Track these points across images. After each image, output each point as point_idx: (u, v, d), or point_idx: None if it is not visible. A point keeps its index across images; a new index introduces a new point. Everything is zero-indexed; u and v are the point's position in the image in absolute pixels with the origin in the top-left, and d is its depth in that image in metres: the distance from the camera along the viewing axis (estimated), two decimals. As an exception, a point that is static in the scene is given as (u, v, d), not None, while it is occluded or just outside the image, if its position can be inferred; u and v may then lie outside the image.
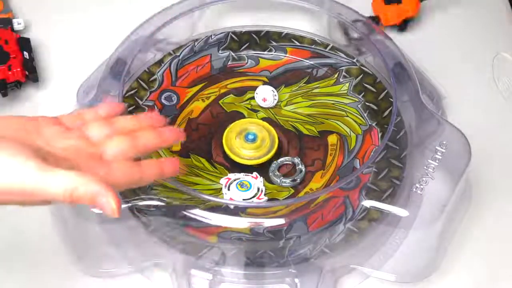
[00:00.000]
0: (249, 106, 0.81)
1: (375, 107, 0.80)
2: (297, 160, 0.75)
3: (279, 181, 0.74)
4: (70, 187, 0.48)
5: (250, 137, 0.75)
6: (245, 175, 0.73)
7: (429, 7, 0.93)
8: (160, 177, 0.58)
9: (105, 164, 0.54)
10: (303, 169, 0.75)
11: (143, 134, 0.59)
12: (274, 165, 0.75)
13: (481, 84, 0.87)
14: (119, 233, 0.70)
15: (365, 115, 0.80)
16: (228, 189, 0.72)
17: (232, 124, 0.77)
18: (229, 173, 0.74)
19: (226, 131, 0.76)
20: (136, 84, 0.82)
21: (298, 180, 0.74)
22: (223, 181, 0.73)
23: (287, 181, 0.74)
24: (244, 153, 0.75)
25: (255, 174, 0.73)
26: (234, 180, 0.73)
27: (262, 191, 0.73)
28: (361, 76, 0.82)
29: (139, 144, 0.58)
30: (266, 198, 0.72)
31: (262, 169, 0.75)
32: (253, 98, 0.81)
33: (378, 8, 0.91)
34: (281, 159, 0.76)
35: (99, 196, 0.48)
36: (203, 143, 0.77)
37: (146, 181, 0.57)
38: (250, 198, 0.72)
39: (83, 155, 0.54)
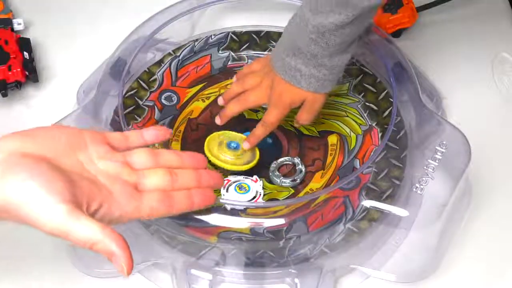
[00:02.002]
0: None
1: (375, 107, 0.80)
2: (297, 160, 0.75)
3: (279, 181, 0.74)
4: (91, 241, 0.50)
5: (233, 145, 0.76)
6: (245, 177, 0.73)
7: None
8: (189, 209, 0.59)
9: (137, 197, 0.55)
10: (303, 169, 0.75)
11: (184, 174, 0.59)
12: (274, 165, 0.75)
13: (481, 84, 0.86)
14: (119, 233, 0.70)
15: (365, 115, 0.80)
16: (227, 191, 0.72)
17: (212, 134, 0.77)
18: (229, 175, 0.74)
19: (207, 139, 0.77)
20: (136, 84, 0.82)
21: (298, 180, 0.74)
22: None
23: (287, 181, 0.74)
24: (225, 158, 0.75)
25: (255, 177, 0.73)
26: (234, 182, 0.73)
27: (260, 194, 0.72)
28: (361, 76, 0.82)
29: (177, 183, 0.58)
30: (263, 202, 0.73)
31: (262, 169, 0.75)
32: (253, 98, 0.81)
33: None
34: (281, 159, 0.76)
35: (114, 257, 0.50)
36: (203, 143, 0.77)
37: (174, 214, 0.58)
38: (248, 202, 0.72)
39: (119, 182, 0.55)
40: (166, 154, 0.60)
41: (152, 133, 0.61)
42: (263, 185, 0.73)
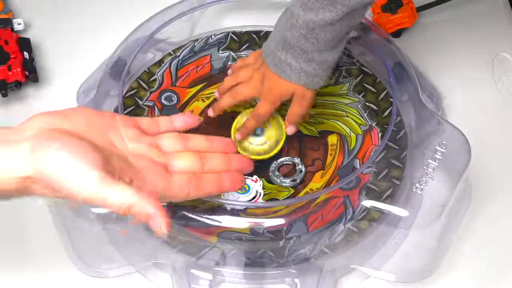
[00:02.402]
0: (249, 106, 0.81)
1: (375, 107, 0.80)
2: (297, 160, 0.75)
3: (279, 181, 0.74)
4: (126, 204, 0.50)
5: (258, 132, 0.76)
6: (245, 177, 0.73)
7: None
8: (219, 192, 0.60)
9: (165, 177, 0.56)
10: (303, 169, 0.75)
11: (213, 158, 0.61)
12: (274, 165, 0.75)
13: (481, 84, 0.86)
14: (119, 233, 0.70)
15: (365, 115, 0.80)
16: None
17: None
18: None
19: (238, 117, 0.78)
20: (136, 84, 0.82)
21: (298, 180, 0.74)
22: None
23: (287, 181, 0.74)
24: (248, 146, 0.76)
25: (255, 177, 0.73)
26: None
27: (260, 194, 0.72)
28: (361, 76, 0.82)
29: (206, 166, 0.60)
30: (263, 202, 0.72)
31: (262, 168, 0.75)
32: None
33: (375, 12, 0.91)
34: (281, 159, 0.76)
35: (151, 218, 0.51)
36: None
37: (203, 196, 0.59)
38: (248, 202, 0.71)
39: (149, 162, 0.57)
40: (195, 138, 0.62)
41: (182, 119, 0.63)
42: (263, 185, 0.73)
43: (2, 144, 0.51)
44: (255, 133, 0.76)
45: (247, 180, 0.73)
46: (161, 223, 0.51)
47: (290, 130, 0.76)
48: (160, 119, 0.62)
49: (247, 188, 0.72)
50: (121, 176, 0.52)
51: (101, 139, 0.55)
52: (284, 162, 0.76)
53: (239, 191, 0.72)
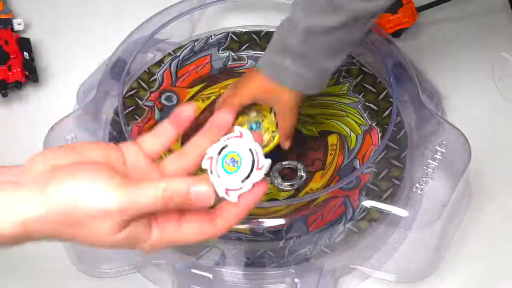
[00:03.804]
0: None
1: (375, 107, 0.80)
2: (300, 166, 0.75)
3: (276, 182, 0.74)
4: (159, 191, 0.46)
5: (253, 126, 0.74)
6: (227, 139, 0.51)
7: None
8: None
9: (178, 220, 0.50)
10: (304, 175, 0.74)
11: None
12: (275, 167, 0.75)
13: (481, 84, 0.87)
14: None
15: (365, 115, 0.80)
16: (217, 175, 0.49)
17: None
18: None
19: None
20: (136, 84, 0.82)
21: (296, 186, 0.74)
22: (205, 164, 0.50)
23: (285, 184, 0.74)
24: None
25: (237, 130, 0.50)
26: (218, 155, 0.50)
27: (257, 153, 0.49)
28: (361, 76, 0.82)
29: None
30: (268, 161, 0.49)
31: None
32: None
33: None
34: (284, 162, 0.75)
35: (191, 187, 0.46)
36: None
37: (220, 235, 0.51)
38: (247, 177, 0.49)
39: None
40: (196, 143, 0.53)
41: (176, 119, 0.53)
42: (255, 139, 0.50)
43: (8, 187, 0.46)
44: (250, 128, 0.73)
45: (231, 143, 0.50)
46: (203, 187, 0.46)
47: (287, 144, 0.73)
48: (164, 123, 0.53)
49: (238, 159, 0.50)
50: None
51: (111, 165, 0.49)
52: (287, 166, 0.76)
53: (229, 169, 0.49)
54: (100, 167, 0.47)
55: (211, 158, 0.50)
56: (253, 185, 0.49)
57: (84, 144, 0.51)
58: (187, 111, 0.53)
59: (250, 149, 0.50)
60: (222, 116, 0.52)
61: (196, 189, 0.46)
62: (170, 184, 0.46)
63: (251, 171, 0.49)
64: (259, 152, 0.49)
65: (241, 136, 0.50)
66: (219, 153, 0.50)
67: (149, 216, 0.48)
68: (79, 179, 0.46)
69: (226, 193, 0.49)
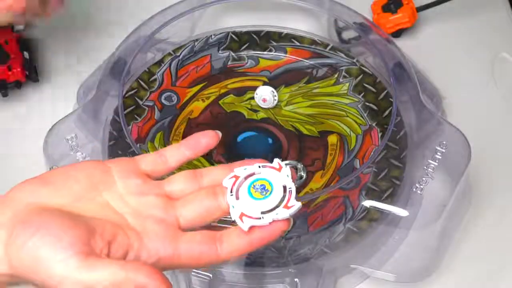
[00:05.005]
0: (249, 106, 0.81)
1: (375, 107, 0.80)
2: (300, 165, 0.75)
3: None
4: (116, 283, 0.43)
5: None
6: (262, 166, 0.48)
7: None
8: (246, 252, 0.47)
9: (174, 240, 0.47)
10: (304, 175, 0.74)
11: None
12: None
13: (481, 84, 0.86)
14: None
15: (365, 115, 0.80)
16: (237, 198, 0.47)
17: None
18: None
19: None
20: (136, 84, 0.82)
21: (296, 186, 0.73)
22: (227, 182, 0.48)
23: None
24: None
25: (276, 162, 0.48)
26: (245, 178, 0.48)
27: (291, 192, 0.47)
28: (361, 76, 0.82)
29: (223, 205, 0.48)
30: (299, 204, 0.46)
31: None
32: (253, 98, 0.81)
33: (375, 12, 0.91)
34: (285, 162, 0.75)
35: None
36: (203, 143, 0.77)
37: (222, 262, 0.47)
38: (273, 209, 0.46)
39: (152, 221, 0.47)
40: (211, 171, 0.50)
41: (192, 144, 0.51)
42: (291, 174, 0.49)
43: None
44: None
45: (265, 171, 0.48)
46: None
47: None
48: (166, 150, 0.52)
49: (269, 189, 0.47)
50: (111, 250, 0.44)
51: (91, 205, 0.47)
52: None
53: (255, 196, 0.46)
54: (64, 229, 0.44)
55: (236, 177, 0.48)
56: (272, 221, 0.45)
57: (72, 175, 0.49)
58: (207, 139, 0.52)
59: (284, 186, 0.46)
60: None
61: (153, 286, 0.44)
62: (127, 277, 0.43)
63: (278, 206, 0.45)
64: (293, 191, 0.46)
65: (279, 169, 0.48)
66: (247, 177, 0.47)
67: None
68: (38, 243, 0.44)
69: (241, 218, 0.45)
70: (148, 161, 0.51)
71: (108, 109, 0.77)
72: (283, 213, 0.45)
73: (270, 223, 0.45)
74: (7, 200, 0.47)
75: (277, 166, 0.47)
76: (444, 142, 0.72)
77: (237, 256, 0.47)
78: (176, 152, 0.52)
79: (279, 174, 0.47)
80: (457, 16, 0.93)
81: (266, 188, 0.46)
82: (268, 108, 0.81)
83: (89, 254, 0.43)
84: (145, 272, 0.43)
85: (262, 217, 0.45)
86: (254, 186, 0.46)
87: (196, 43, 0.86)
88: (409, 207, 0.68)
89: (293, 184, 0.46)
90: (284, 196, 0.46)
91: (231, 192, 0.47)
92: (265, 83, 0.82)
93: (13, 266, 0.45)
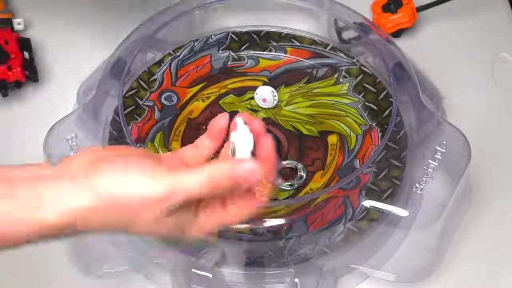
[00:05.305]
0: (249, 106, 0.81)
1: (375, 107, 0.80)
2: (300, 166, 0.75)
3: (276, 182, 0.73)
4: (204, 177, 0.46)
5: None
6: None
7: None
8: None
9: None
10: (304, 175, 0.74)
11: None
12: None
13: (481, 84, 0.87)
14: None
15: (365, 115, 0.80)
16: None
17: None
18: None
19: None
20: (136, 84, 0.82)
21: (296, 186, 0.74)
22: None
23: (285, 184, 0.74)
24: None
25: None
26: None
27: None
28: (361, 76, 0.82)
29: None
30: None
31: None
32: (253, 98, 0.81)
33: (375, 12, 0.91)
34: (285, 162, 0.75)
35: (237, 166, 0.47)
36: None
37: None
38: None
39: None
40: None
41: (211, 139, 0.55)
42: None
43: (52, 180, 0.46)
44: None
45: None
46: (250, 164, 0.47)
47: None
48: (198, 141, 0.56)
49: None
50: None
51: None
52: (287, 166, 0.76)
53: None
54: (144, 157, 0.48)
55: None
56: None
57: (120, 146, 0.53)
58: (219, 122, 0.55)
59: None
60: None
61: (243, 167, 0.47)
62: (215, 169, 0.47)
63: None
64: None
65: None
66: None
67: (196, 202, 0.49)
68: (124, 168, 0.46)
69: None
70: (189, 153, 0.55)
71: (108, 109, 0.77)
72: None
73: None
74: (70, 159, 0.49)
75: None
76: (444, 142, 0.72)
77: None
78: (207, 144, 0.55)
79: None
80: (457, 16, 0.93)
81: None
82: (268, 108, 0.81)
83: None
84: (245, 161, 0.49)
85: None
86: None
87: (196, 43, 0.86)
88: (409, 207, 0.68)
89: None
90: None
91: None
92: (265, 83, 0.82)
93: (98, 198, 0.45)
